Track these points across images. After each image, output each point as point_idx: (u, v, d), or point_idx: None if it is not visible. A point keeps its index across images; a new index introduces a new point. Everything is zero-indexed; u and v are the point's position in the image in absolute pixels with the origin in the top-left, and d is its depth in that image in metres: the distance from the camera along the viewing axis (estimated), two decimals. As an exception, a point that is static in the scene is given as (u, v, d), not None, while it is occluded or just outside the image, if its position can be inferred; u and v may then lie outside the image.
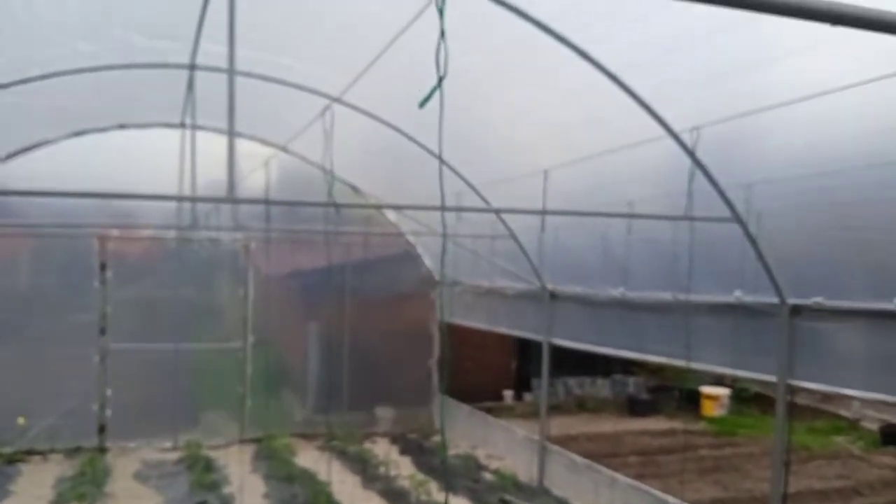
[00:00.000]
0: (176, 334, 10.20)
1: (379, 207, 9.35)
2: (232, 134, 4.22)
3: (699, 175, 5.57)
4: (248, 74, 6.43)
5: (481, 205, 8.14)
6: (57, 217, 9.26)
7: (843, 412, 13.78)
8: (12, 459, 9.54)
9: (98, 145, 9.72)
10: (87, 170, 9.36)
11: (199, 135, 7.00)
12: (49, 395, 9.94)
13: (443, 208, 3.25)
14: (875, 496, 9.25)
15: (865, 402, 13.73)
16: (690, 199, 5.52)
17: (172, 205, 9.46)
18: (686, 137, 5.36)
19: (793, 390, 5.92)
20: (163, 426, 10.53)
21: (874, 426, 12.67)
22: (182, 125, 9.37)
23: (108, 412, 10.29)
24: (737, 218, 5.54)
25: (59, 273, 10.08)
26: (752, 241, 5.53)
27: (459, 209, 6.32)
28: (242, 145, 8.41)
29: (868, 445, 11.93)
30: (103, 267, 10.23)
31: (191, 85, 6.35)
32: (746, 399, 14.80)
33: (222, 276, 9.72)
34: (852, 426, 13.18)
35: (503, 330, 10.64)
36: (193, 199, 5.74)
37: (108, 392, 10.26)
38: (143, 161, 9.37)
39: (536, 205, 6.58)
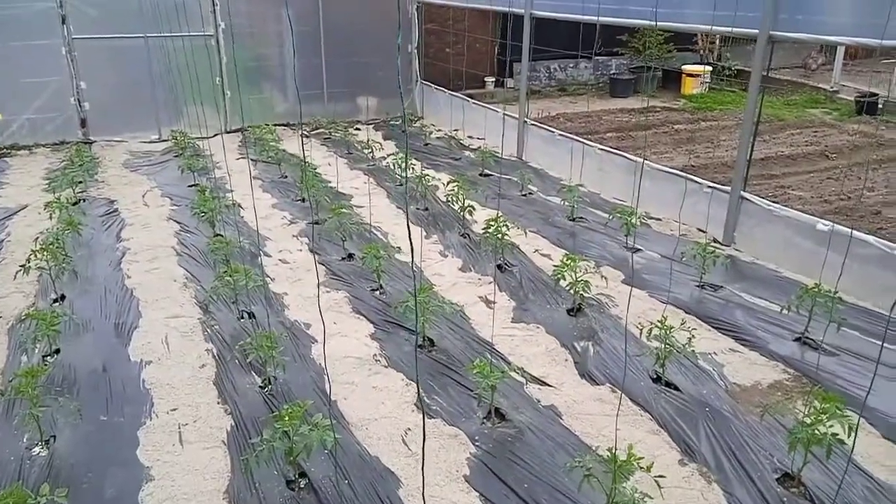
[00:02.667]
0: (142, 23, 9.75)
1: None
2: None
3: None
4: None
5: None
6: None
7: (823, 85, 13.87)
8: (-2, 154, 9.73)
9: None
10: None
11: None
12: (22, 91, 9.83)
13: None
14: (841, 158, 9.67)
15: (845, 75, 13.80)
16: None
17: None
18: None
19: (774, 45, 5.86)
20: (145, 119, 10.58)
21: (851, 97, 12.83)
22: None
23: (87, 105, 10.23)
24: None
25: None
26: None
27: None
28: None
29: (842, 115, 12.19)
30: (51, -51, 9.43)
31: None
32: (728, 77, 14.79)
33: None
34: (829, 98, 13.35)
35: (482, 5, 10.20)
36: None
37: (83, 85, 10.10)
38: None
39: None
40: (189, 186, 8.41)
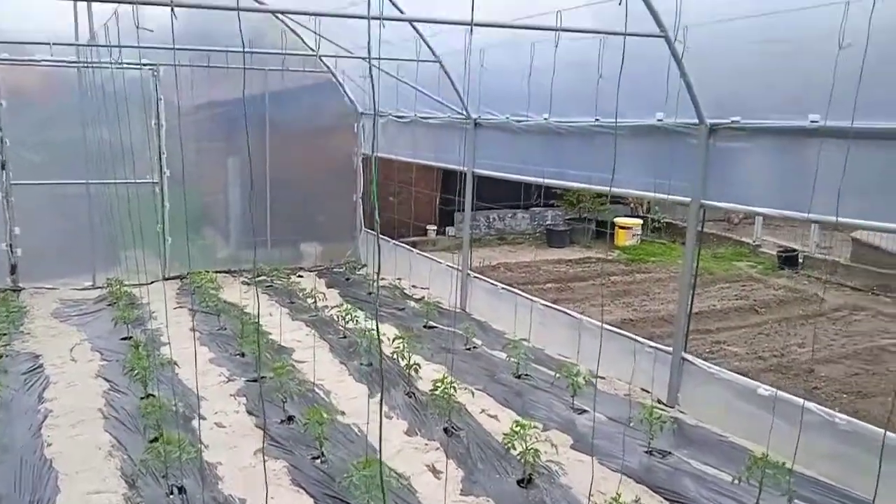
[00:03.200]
0: (85, 170, 9.70)
1: (283, 12, 8.72)
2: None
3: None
4: None
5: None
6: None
7: (746, 239, 14.67)
8: (-83, 301, 9.22)
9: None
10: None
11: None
12: (-49, 235, 9.50)
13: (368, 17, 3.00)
14: (770, 313, 10.08)
15: (766, 230, 14.67)
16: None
17: (68, 26, 8.67)
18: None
19: (705, 210, 6.21)
20: (79, 266, 10.28)
21: (773, 251, 13.58)
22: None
23: (19, 251, 9.93)
24: (663, 33, 5.48)
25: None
26: (677, 58, 5.52)
27: (387, 19, 5.91)
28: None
29: (766, 269, 12.85)
30: (-6, 97, 9.47)
31: None
32: (657, 229, 15.56)
33: (131, 107, 9.09)
34: (753, 252, 14.10)
35: (427, 161, 10.59)
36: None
37: (16, 231, 9.84)
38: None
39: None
40: (122, 339, 8.08)
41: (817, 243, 13.51)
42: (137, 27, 4.31)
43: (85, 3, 8.75)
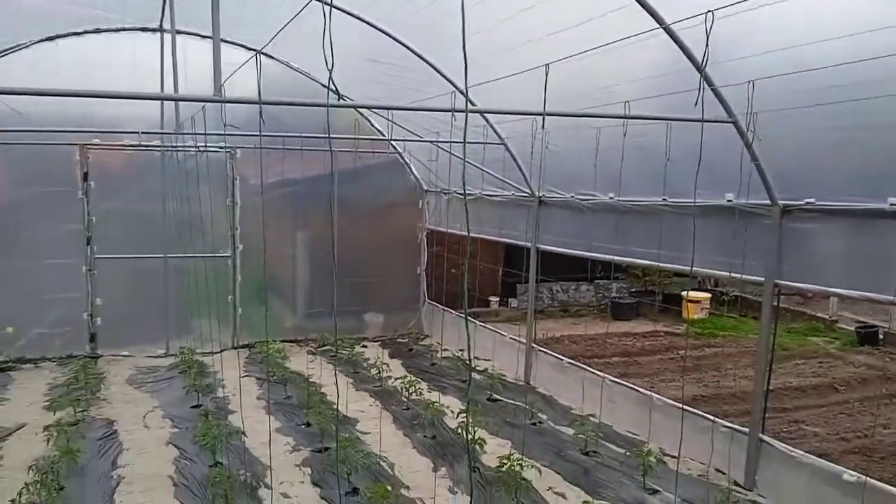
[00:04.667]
0: (163, 244, 10.16)
1: (370, 108, 9.13)
2: (216, 29, 4.09)
3: (694, 75, 5.49)
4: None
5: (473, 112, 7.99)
6: (37, 126, 8.97)
7: (821, 314, 14.15)
8: (3, 368, 9.67)
9: (73, 49, 9.43)
10: (63, 79, 9.09)
11: (179, 39, 6.80)
12: (38, 305, 9.97)
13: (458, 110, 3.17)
14: (851, 391, 9.62)
15: (842, 304, 14.13)
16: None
17: (156, 113, 9.24)
18: (682, 34, 5.25)
19: (780, 290, 6.06)
20: (154, 334, 10.66)
21: (850, 327, 13.04)
22: (160, 29, 9.09)
23: (98, 321, 10.36)
24: (732, 119, 5.49)
25: (43, 184, 9.87)
26: (747, 143, 5.50)
27: (457, 110, 6.11)
28: (224, 50, 8.15)
29: (844, 345, 12.32)
30: (86, 177, 10.08)
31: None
32: (727, 302, 15.15)
33: (209, 186, 9.58)
34: (829, 327, 13.57)
35: (491, 237, 10.69)
36: (178, 99, 5.57)
37: (98, 301, 10.30)
38: (122, 68, 9.10)
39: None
40: (192, 407, 8.27)
41: (898, 319, 12.95)
42: (225, 125, 4.60)
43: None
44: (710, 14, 4.05)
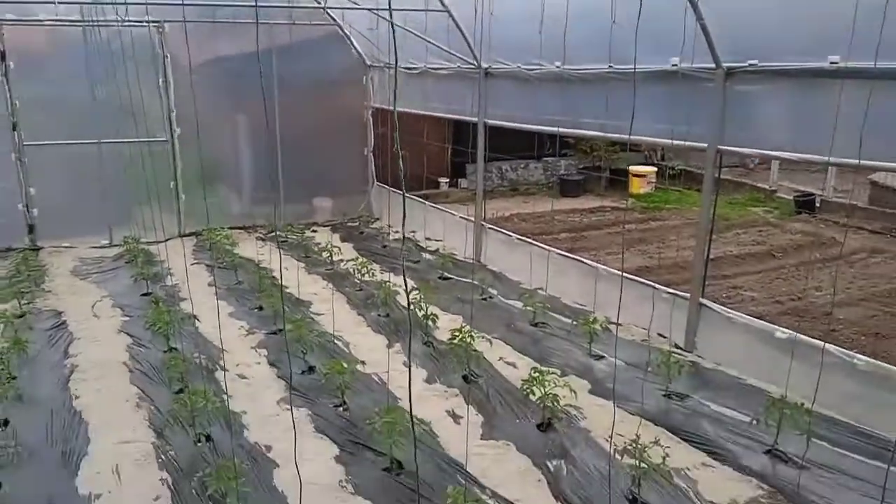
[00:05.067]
0: (96, 129, 9.68)
1: None
2: None
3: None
4: None
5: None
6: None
7: (762, 184, 14.52)
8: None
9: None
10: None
11: None
12: (-33, 197, 9.55)
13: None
14: (787, 257, 10.03)
15: (782, 174, 14.50)
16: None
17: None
18: None
19: (722, 156, 6.13)
20: (95, 224, 10.33)
21: (790, 196, 13.44)
22: None
23: (35, 211, 10.00)
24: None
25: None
26: (693, 2, 5.38)
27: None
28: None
29: (783, 214, 12.74)
30: (3, 56, 9.40)
31: None
32: (672, 176, 15.39)
33: (139, 66, 9.03)
34: (769, 197, 13.96)
35: (438, 113, 10.48)
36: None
37: (32, 191, 9.90)
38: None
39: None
40: (142, 295, 8.18)
41: (834, 187, 13.36)
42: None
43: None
44: None
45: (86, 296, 8.31)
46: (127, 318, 7.56)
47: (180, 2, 4.74)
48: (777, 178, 14.40)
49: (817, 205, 12.76)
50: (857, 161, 4.55)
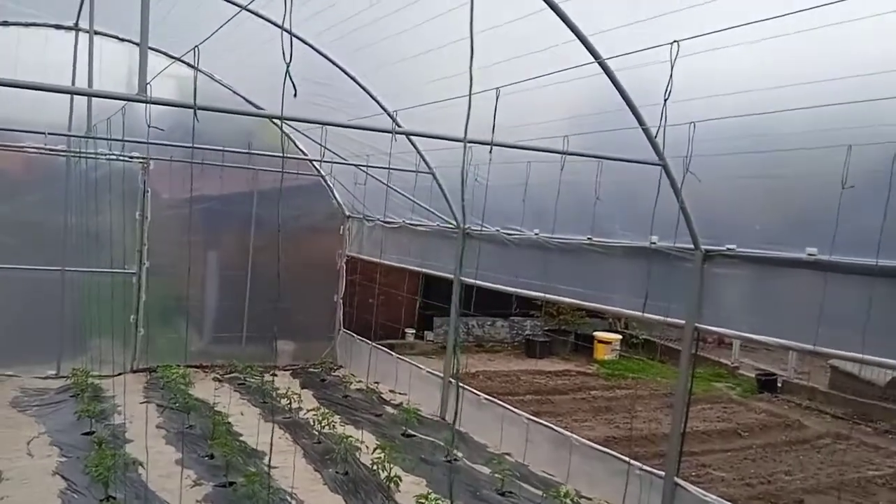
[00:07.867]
0: (62, 257, 9.47)
1: (301, 120, 8.82)
2: (145, 22, 3.81)
3: (627, 117, 5.56)
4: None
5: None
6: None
7: (724, 360, 14.63)
8: None
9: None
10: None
11: (96, 41, 6.35)
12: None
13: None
14: (753, 437, 9.92)
15: (742, 351, 14.68)
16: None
17: (63, 116, 8.60)
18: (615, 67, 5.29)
19: (699, 333, 6.16)
20: (44, 353, 9.85)
21: (751, 374, 13.54)
22: (76, 28, 8.58)
23: (-18, 335, 9.53)
24: (662, 162, 5.58)
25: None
26: (675, 187, 5.59)
27: (384, 131, 5.91)
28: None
29: (745, 392, 12.76)
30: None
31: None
32: (635, 345, 15.50)
33: (117, 198, 9.02)
34: (731, 373, 14.04)
35: (414, 267, 10.52)
36: (97, 95, 5.15)
37: (-16, 314, 9.49)
38: (29, 65, 8.45)
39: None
40: (84, 434, 7.63)
41: (794, 368, 13.52)
42: (149, 125, 4.30)
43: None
44: (675, 45, 4.07)
45: (22, 430, 7.73)
46: (64, 459, 6.99)
47: (179, 144, 4.80)
48: (738, 354, 14.57)
49: (779, 385, 12.84)
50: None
